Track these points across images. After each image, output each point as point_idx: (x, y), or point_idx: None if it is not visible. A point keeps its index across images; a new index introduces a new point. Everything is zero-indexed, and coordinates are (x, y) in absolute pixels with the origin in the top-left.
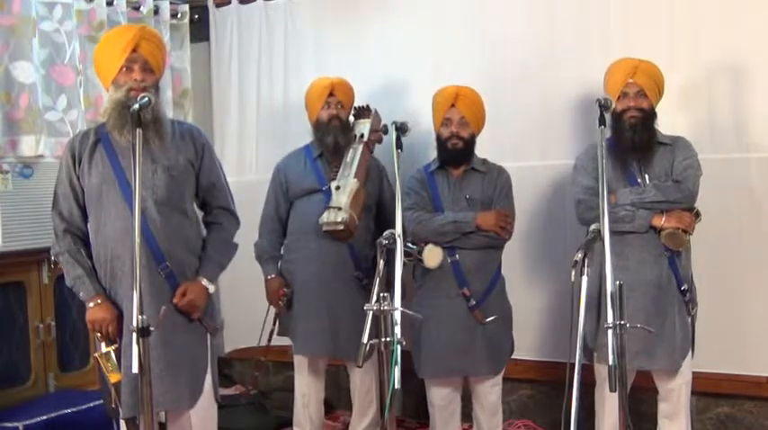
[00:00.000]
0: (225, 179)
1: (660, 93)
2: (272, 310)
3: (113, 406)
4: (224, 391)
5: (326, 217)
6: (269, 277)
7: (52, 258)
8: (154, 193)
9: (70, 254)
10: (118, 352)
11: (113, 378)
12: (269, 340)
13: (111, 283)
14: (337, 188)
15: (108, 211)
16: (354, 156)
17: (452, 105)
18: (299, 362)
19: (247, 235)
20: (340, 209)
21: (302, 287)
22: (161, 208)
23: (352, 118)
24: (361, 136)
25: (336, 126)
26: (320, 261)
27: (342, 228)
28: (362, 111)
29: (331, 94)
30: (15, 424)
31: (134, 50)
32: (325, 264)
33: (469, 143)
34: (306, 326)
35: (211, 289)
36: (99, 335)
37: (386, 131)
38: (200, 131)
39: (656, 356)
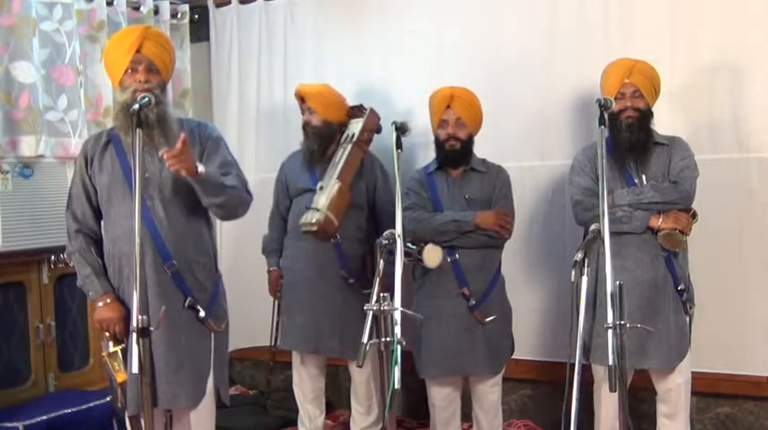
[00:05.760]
0: (238, 167)
1: (656, 93)
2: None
3: (120, 405)
4: None
5: (304, 217)
6: (270, 269)
7: (62, 256)
8: (161, 192)
9: (80, 253)
10: (125, 351)
11: (120, 377)
12: (276, 332)
13: (120, 281)
14: (320, 188)
15: (117, 210)
16: (342, 156)
17: (448, 107)
18: (294, 358)
19: (246, 235)
20: (317, 209)
21: (290, 284)
22: (168, 206)
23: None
24: (352, 136)
25: (307, 133)
26: (306, 259)
27: (315, 229)
28: (356, 111)
29: (303, 101)
30: (15, 424)
31: (137, 51)
32: (311, 262)
33: (467, 144)
34: (288, 321)
35: (201, 168)
36: (107, 334)
37: (379, 131)
38: (206, 125)
39: (649, 354)
